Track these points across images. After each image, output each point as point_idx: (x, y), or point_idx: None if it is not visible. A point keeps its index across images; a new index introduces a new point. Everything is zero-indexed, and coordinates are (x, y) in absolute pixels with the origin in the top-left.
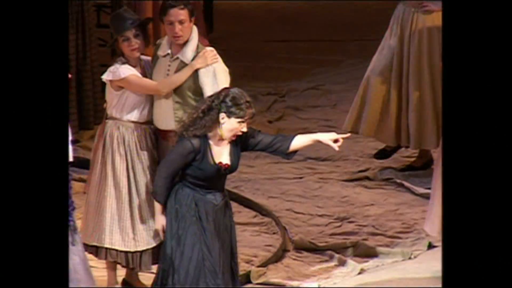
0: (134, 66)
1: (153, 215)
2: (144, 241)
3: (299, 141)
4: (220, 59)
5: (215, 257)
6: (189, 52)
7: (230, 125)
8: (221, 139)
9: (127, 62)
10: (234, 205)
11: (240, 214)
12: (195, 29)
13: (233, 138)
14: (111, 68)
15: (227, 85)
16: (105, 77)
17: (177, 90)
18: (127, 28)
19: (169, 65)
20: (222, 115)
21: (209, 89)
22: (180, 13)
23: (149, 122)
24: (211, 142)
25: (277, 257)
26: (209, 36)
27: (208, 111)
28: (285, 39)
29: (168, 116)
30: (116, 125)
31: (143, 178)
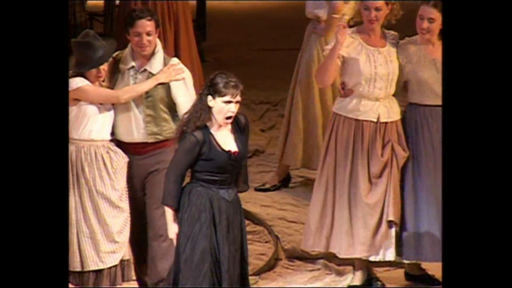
0: (92, 82)
1: (103, 237)
2: (91, 261)
3: None
4: (186, 69)
5: (224, 262)
6: (157, 63)
7: (217, 107)
8: (220, 125)
9: (81, 75)
10: None
11: None
12: (159, 42)
13: (228, 122)
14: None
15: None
16: None
17: (149, 103)
18: (103, 62)
19: (136, 78)
20: (209, 97)
21: (182, 100)
22: (148, 24)
23: (104, 140)
24: (212, 131)
25: (270, 266)
26: (202, 44)
27: (200, 100)
28: (278, 47)
29: (138, 129)
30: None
31: (88, 198)
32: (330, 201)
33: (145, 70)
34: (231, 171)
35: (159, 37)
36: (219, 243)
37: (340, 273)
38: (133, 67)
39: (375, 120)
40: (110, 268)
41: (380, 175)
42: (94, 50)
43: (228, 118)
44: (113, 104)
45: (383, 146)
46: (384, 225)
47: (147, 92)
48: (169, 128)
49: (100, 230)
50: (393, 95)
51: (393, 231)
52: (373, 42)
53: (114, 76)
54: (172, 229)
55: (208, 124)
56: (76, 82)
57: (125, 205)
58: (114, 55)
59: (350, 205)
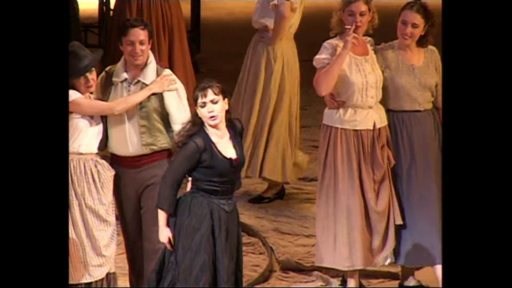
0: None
1: (91, 251)
2: (78, 275)
3: None
4: (178, 80)
5: (223, 274)
6: (150, 74)
7: (200, 113)
8: (216, 131)
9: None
10: None
11: None
12: (151, 53)
13: (213, 122)
14: None
15: None
16: None
17: (143, 114)
18: (88, 69)
19: (129, 90)
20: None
21: (175, 111)
22: (141, 33)
23: (97, 153)
24: (213, 139)
25: (264, 278)
26: (197, 56)
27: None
28: None
29: (133, 141)
30: None
31: (78, 211)
32: (332, 216)
33: (139, 81)
34: (232, 179)
35: (153, 48)
36: (218, 254)
37: (333, 284)
38: (126, 79)
39: (371, 127)
40: (97, 281)
41: (382, 181)
42: (79, 59)
43: (211, 118)
44: (104, 117)
45: (381, 151)
46: (391, 230)
47: (140, 103)
48: (164, 138)
49: (89, 244)
50: None
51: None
52: (358, 50)
53: (107, 90)
54: (164, 233)
55: (207, 132)
56: (70, 95)
57: (112, 218)
58: (107, 69)
59: (362, 216)
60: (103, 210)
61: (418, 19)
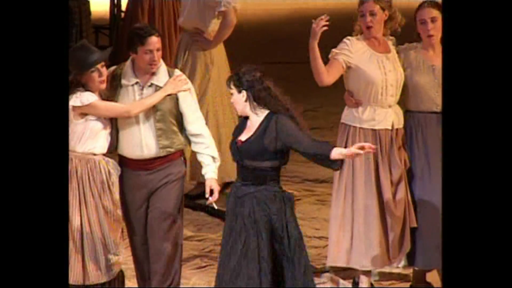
0: (93, 92)
1: (105, 251)
2: (94, 275)
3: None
4: (189, 81)
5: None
6: (163, 76)
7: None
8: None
9: (89, 90)
10: None
11: None
12: None
13: (240, 112)
14: (77, 94)
15: None
16: (73, 103)
17: (160, 117)
18: (98, 63)
19: (142, 93)
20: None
21: (189, 111)
22: (157, 41)
23: (104, 154)
24: (248, 122)
25: None
26: None
27: None
28: (283, 61)
29: (149, 144)
30: (69, 157)
31: (94, 211)
32: (349, 215)
33: (152, 84)
34: (239, 162)
35: (164, 48)
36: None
37: (343, 285)
38: (137, 83)
39: (390, 127)
40: (110, 281)
41: (399, 182)
42: (89, 52)
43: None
44: (114, 119)
45: (399, 152)
46: (407, 233)
47: (155, 106)
48: (178, 140)
49: (104, 244)
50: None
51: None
52: (379, 48)
53: (116, 92)
54: None
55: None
56: (87, 98)
57: (120, 217)
58: (112, 69)
59: (379, 216)
60: (114, 209)
61: (435, 13)
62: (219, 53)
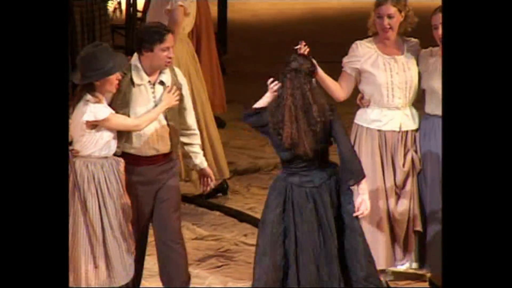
0: (103, 95)
1: (127, 249)
2: (120, 276)
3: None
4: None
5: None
6: (168, 75)
7: None
8: None
9: (98, 100)
10: (248, 227)
11: (255, 235)
12: None
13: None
14: (91, 109)
15: None
16: (87, 118)
17: (171, 116)
18: (114, 72)
19: (154, 91)
20: None
21: (188, 105)
22: (172, 38)
23: (115, 153)
24: None
25: None
26: (223, 57)
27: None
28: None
29: (163, 142)
30: (84, 164)
31: (114, 213)
32: None
33: (161, 82)
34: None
35: None
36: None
37: None
38: (149, 81)
39: (397, 129)
40: (131, 280)
41: (403, 186)
42: (113, 55)
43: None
44: None
45: (405, 156)
46: (411, 236)
47: None
48: (179, 136)
49: (124, 244)
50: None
51: (414, 240)
52: (389, 50)
53: (128, 92)
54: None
55: None
56: (102, 113)
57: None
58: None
59: (385, 217)
60: (126, 206)
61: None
62: (177, 50)
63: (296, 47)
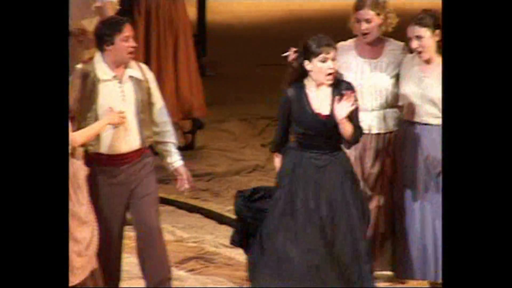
0: None
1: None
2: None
3: None
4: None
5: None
6: (136, 69)
7: (315, 68)
8: (319, 85)
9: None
10: (228, 229)
11: None
12: None
13: (330, 78)
14: None
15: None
16: None
17: (141, 108)
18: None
19: (121, 88)
20: (305, 62)
21: (159, 101)
22: (130, 27)
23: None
24: (307, 90)
25: None
26: (203, 59)
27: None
28: (278, 62)
29: (134, 136)
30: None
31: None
32: None
33: (131, 76)
34: (323, 134)
35: (158, 50)
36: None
37: None
38: (115, 76)
39: (366, 132)
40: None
41: (372, 188)
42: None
43: (328, 75)
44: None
45: (375, 158)
46: (378, 240)
47: (137, 97)
48: (152, 130)
49: (73, 248)
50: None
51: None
52: (366, 53)
53: (93, 88)
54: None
55: (305, 82)
56: None
57: (92, 218)
58: (79, 67)
59: None
60: (83, 211)
61: (422, 31)
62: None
63: (285, 54)
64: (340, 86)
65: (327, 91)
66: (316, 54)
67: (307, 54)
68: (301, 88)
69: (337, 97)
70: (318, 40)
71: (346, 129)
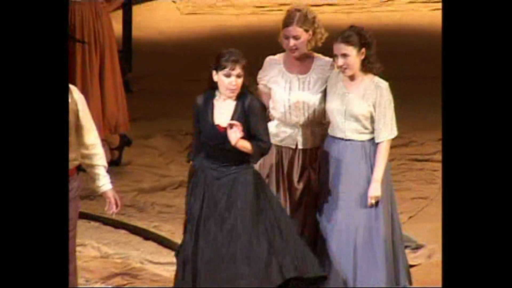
0: None
1: None
2: None
3: None
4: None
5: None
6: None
7: (220, 80)
8: (226, 98)
9: None
10: (153, 245)
11: (161, 253)
12: None
13: (231, 94)
14: None
15: None
16: None
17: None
18: None
19: None
20: (213, 72)
21: (87, 122)
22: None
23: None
24: (215, 100)
25: None
26: (128, 75)
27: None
28: (202, 78)
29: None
30: None
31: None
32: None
33: None
34: (220, 146)
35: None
36: (199, 222)
37: None
38: None
39: (293, 147)
40: None
41: (298, 204)
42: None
43: (231, 90)
44: None
45: (301, 173)
46: None
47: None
48: (79, 152)
49: None
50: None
51: None
52: (294, 68)
53: None
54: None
55: (216, 93)
56: None
57: None
58: None
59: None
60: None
61: (348, 50)
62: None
63: None
64: (245, 101)
65: (232, 104)
66: (222, 68)
67: (216, 65)
68: (211, 98)
69: (228, 124)
70: (229, 55)
71: (244, 148)
